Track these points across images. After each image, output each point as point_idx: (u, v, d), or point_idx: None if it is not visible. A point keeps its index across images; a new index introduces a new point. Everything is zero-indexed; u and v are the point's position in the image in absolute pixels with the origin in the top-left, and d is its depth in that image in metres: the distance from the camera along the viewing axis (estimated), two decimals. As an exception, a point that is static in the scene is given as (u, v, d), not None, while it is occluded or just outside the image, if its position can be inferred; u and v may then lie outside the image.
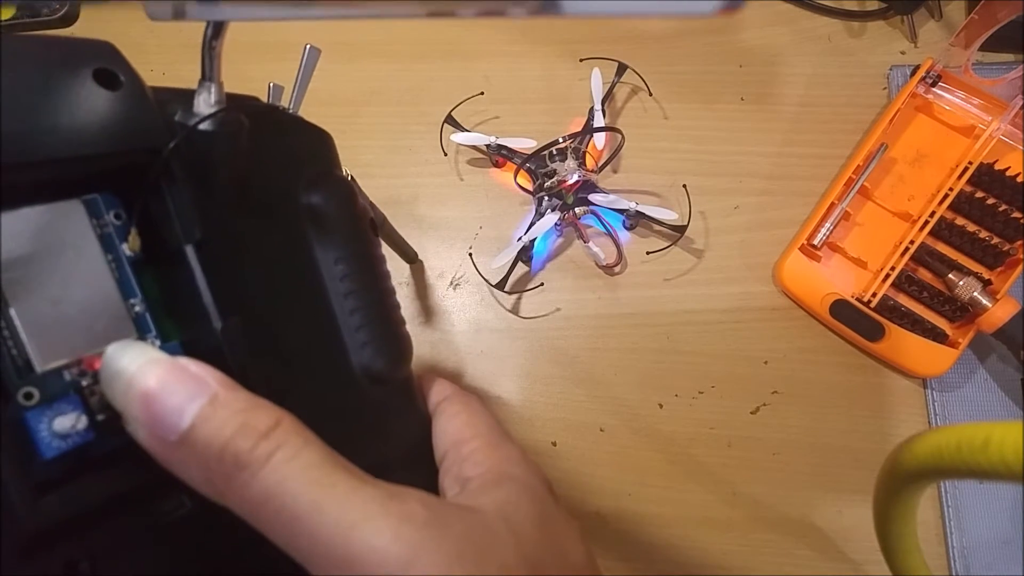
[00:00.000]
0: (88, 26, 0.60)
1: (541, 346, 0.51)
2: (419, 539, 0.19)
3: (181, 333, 0.23)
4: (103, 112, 0.20)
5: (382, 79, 0.57)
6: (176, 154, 0.21)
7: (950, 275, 0.47)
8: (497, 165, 0.54)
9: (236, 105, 0.23)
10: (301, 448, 0.20)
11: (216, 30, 0.22)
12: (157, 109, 0.21)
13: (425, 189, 0.55)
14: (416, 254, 0.51)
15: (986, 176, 0.49)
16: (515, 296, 0.52)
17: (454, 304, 0.52)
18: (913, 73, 0.51)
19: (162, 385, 0.19)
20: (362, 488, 0.20)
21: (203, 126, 0.21)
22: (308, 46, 0.35)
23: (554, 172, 0.51)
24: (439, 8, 0.17)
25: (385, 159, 0.55)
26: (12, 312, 0.19)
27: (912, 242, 0.48)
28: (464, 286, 0.53)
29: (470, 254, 0.52)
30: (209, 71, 0.22)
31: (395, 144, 0.56)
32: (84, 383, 0.20)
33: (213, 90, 0.22)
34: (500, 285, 0.51)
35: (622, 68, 0.54)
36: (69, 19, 0.60)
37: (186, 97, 0.22)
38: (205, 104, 0.22)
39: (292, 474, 0.19)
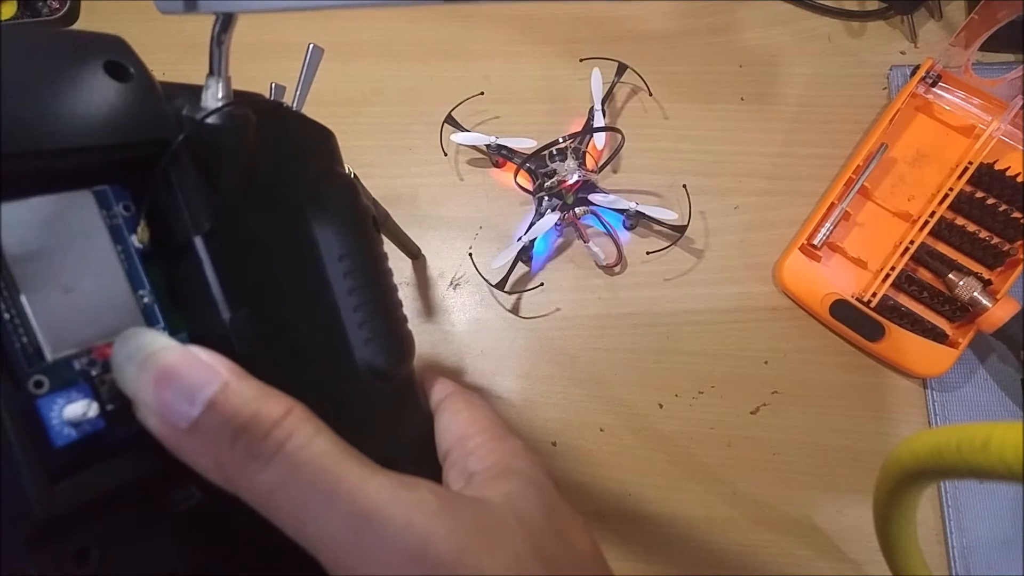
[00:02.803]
0: (88, 25, 0.60)
1: (541, 346, 0.51)
2: (431, 527, 0.19)
3: (188, 325, 0.23)
4: (113, 103, 0.20)
5: (382, 79, 0.57)
6: (185, 146, 0.21)
7: (950, 275, 0.47)
8: (497, 165, 0.54)
9: (242, 100, 0.23)
10: (313, 436, 0.20)
11: (225, 24, 0.22)
12: (166, 101, 0.21)
13: (425, 189, 0.55)
14: (419, 250, 0.51)
15: (986, 176, 0.49)
16: (515, 296, 0.52)
17: (454, 304, 0.52)
18: (913, 73, 0.51)
19: (174, 372, 0.19)
20: (373, 477, 0.20)
21: (211, 120, 0.21)
22: (311, 45, 0.35)
23: (554, 172, 0.51)
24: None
25: (385, 159, 0.55)
26: (23, 300, 0.19)
27: (912, 242, 0.48)
28: (464, 286, 0.53)
29: (470, 254, 0.52)
30: (217, 66, 0.22)
31: (395, 144, 0.56)
32: (94, 372, 0.20)
33: (221, 85, 0.22)
34: (500, 285, 0.51)
35: (622, 68, 0.55)
36: (69, 18, 0.60)
37: (193, 92, 0.22)
38: (213, 98, 0.22)
39: (303, 462, 0.19)
